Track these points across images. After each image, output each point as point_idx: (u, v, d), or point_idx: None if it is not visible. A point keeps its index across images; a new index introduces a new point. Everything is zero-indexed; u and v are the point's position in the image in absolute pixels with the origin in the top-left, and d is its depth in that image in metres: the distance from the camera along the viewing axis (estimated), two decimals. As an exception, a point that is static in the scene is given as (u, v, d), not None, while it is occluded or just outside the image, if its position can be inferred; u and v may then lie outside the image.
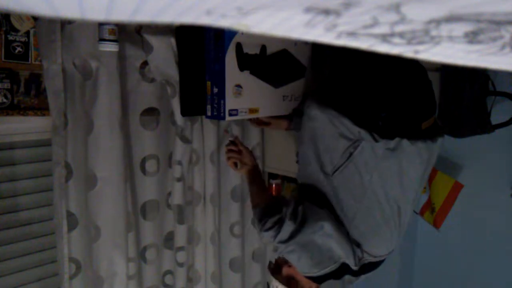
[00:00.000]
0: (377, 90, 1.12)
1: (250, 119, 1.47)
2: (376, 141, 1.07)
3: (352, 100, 1.17)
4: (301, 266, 1.10)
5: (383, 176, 1.08)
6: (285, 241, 1.10)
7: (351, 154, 1.10)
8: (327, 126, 1.15)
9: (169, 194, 1.50)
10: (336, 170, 1.14)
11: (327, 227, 1.09)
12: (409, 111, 1.10)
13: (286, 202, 1.16)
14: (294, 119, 1.44)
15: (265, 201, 1.21)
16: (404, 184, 1.10)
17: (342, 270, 1.11)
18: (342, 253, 1.09)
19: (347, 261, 1.11)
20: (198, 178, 1.53)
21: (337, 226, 1.11)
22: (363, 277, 1.18)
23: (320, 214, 1.12)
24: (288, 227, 1.09)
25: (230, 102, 1.30)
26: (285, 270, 1.16)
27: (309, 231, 1.09)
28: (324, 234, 1.08)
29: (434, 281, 2.63)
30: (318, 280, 1.11)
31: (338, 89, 1.23)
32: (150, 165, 1.44)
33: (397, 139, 1.06)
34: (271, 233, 1.11)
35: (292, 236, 1.09)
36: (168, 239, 1.55)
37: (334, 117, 1.14)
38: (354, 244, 1.13)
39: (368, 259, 1.14)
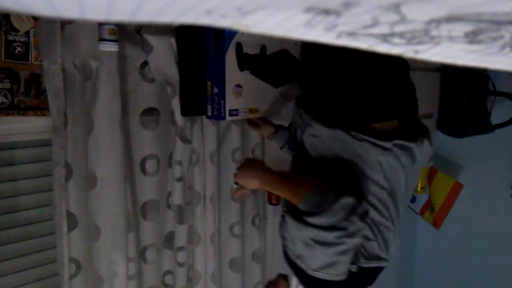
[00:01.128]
0: (329, 86, 1.12)
1: (247, 120, 1.47)
2: (326, 126, 1.07)
3: (309, 93, 1.20)
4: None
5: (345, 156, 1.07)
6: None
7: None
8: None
9: (169, 194, 1.50)
10: None
11: None
12: (353, 110, 1.07)
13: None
14: (279, 131, 1.45)
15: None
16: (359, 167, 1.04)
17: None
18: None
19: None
20: (198, 178, 1.53)
21: None
22: None
23: None
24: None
25: (231, 102, 1.30)
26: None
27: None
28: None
29: (434, 281, 2.63)
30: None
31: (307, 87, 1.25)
32: (150, 165, 1.44)
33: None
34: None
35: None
36: (168, 239, 1.55)
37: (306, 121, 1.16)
38: None
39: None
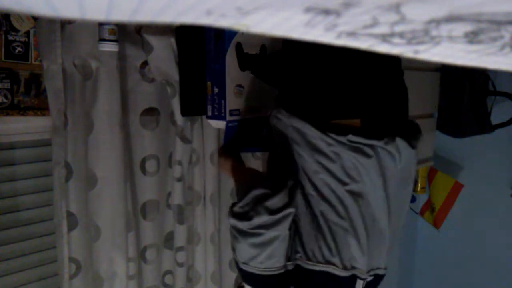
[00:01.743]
0: (295, 79, 1.14)
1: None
2: (287, 111, 1.10)
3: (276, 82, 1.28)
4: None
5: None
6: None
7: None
8: None
9: (169, 194, 1.50)
10: None
11: None
12: (311, 106, 1.08)
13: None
14: None
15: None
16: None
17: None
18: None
19: None
20: (198, 178, 1.53)
21: None
22: None
23: None
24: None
25: (231, 102, 1.30)
26: None
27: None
28: None
29: (434, 281, 2.63)
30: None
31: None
32: (150, 165, 1.44)
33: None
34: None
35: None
36: (168, 239, 1.55)
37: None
38: None
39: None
